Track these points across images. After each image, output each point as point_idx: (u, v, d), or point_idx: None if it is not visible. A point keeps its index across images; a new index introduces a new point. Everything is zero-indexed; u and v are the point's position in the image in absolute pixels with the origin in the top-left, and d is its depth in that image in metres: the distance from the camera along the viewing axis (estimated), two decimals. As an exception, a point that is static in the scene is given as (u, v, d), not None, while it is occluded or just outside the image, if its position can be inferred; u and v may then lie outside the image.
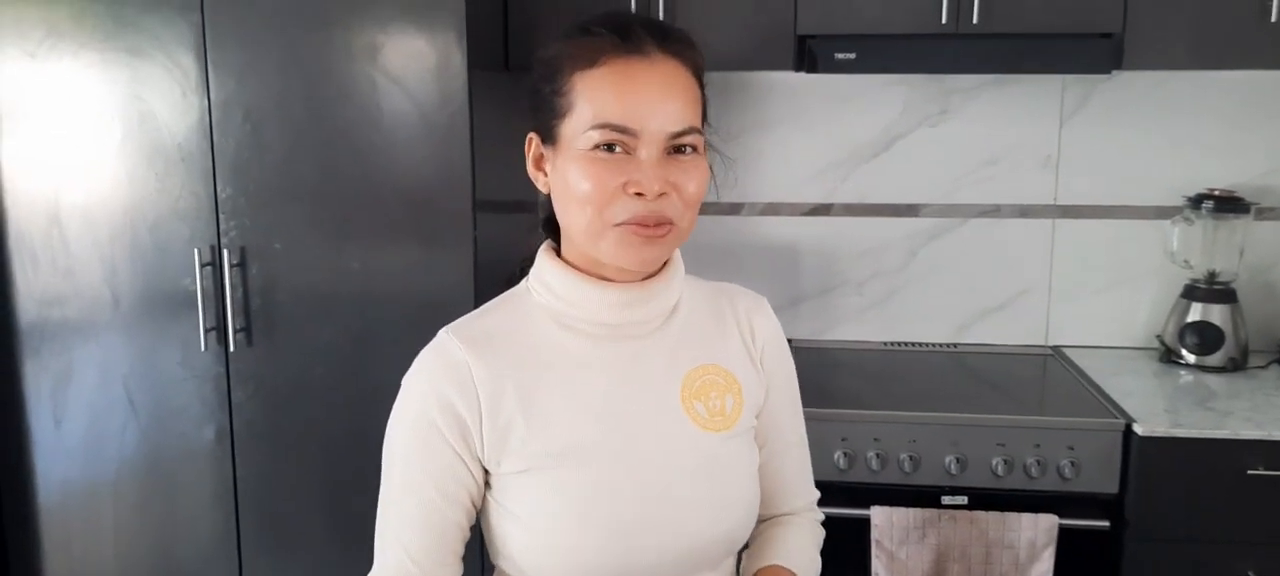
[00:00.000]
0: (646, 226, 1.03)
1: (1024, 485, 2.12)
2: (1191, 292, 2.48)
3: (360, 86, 2.08)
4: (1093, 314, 2.65)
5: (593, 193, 1.02)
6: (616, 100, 1.01)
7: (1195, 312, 2.46)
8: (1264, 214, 2.50)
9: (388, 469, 1.11)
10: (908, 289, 2.69)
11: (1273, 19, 2.14)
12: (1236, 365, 2.43)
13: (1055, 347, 2.65)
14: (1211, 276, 2.47)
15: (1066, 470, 2.09)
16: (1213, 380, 2.37)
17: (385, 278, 2.15)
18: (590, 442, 1.09)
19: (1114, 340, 2.65)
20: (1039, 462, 2.11)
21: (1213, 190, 2.46)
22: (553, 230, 1.17)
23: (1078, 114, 2.56)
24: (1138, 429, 2.07)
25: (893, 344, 2.71)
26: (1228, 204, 2.42)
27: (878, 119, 2.62)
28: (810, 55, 2.25)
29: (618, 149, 1.02)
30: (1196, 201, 2.45)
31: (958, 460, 2.12)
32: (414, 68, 2.06)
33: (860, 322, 2.72)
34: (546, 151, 1.08)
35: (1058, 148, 2.58)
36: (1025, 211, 2.62)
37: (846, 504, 2.12)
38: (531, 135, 1.10)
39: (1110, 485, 2.11)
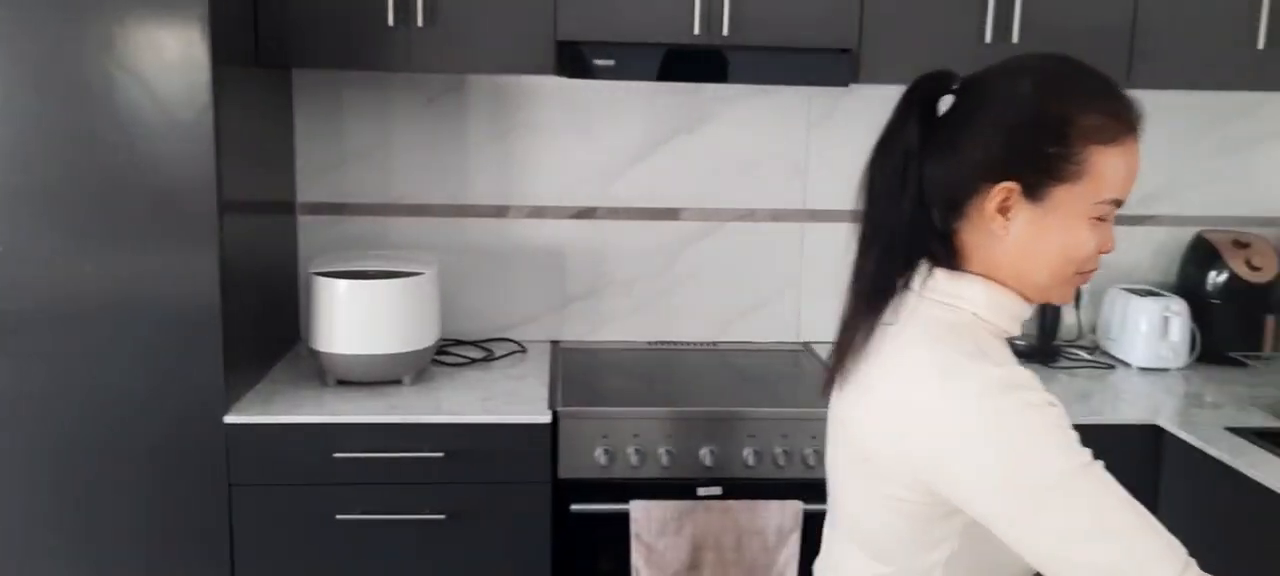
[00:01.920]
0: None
1: (773, 474, 2.24)
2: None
3: (94, 80, 1.96)
4: (838, 310, 2.81)
5: (1083, 253, 1.16)
6: (1127, 182, 1.15)
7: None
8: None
9: (1089, 498, 1.05)
10: (673, 290, 2.79)
11: (987, 41, 2.35)
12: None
13: (805, 343, 2.81)
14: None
15: (810, 458, 2.22)
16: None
17: (123, 282, 2.03)
18: None
19: (859, 336, 2.83)
20: (786, 452, 2.23)
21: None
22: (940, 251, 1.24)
23: (823, 123, 2.73)
24: (873, 417, 2.22)
25: (658, 344, 2.79)
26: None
27: (640, 124, 2.70)
28: (571, 60, 2.30)
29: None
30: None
31: (712, 452, 2.22)
32: (153, 61, 1.96)
33: (627, 323, 2.79)
34: (1022, 203, 1.16)
35: (806, 155, 2.74)
36: (777, 216, 2.76)
37: (607, 499, 2.17)
38: (1010, 185, 1.15)
39: (850, 470, 2.25)
